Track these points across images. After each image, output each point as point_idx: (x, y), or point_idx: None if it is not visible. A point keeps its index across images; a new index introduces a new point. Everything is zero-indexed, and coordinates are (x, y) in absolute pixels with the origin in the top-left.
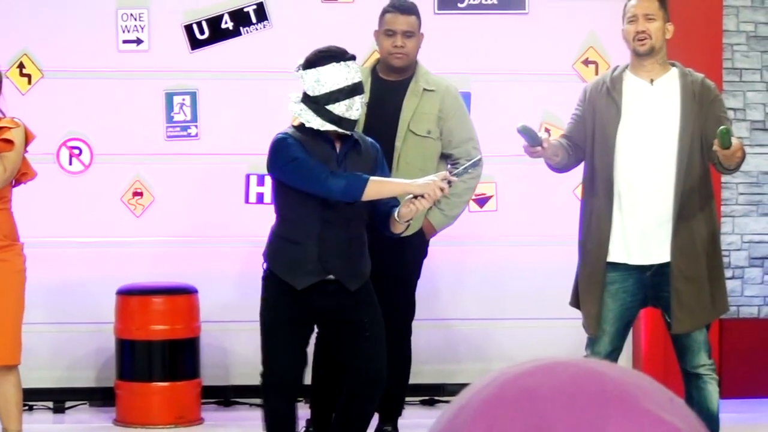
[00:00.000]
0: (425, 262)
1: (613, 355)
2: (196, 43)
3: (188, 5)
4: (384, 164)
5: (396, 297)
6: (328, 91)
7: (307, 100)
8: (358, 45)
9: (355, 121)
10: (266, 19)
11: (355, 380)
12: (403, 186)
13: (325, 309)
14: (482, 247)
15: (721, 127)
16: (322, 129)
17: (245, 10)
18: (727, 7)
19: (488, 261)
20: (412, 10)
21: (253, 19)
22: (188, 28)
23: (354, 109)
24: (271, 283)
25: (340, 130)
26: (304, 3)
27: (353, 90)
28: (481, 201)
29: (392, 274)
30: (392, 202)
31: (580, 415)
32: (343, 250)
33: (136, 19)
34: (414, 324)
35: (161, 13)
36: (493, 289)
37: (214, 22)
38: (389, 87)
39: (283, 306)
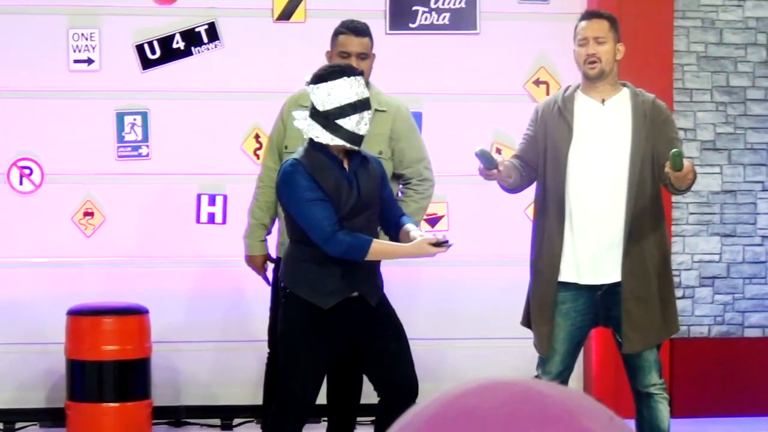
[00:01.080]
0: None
1: (564, 374)
2: (147, 63)
3: (139, 25)
4: (387, 180)
5: None
6: (338, 105)
7: (317, 115)
8: (309, 64)
9: (362, 137)
10: (218, 39)
11: (391, 393)
12: (401, 251)
13: (350, 327)
14: (433, 267)
15: (674, 150)
16: (332, 144)
17: (196, 29)
18: (678, 28)
19: (440, 281)
20: (366, 32)
21: (205, 39)
22: (139, 48)
23: (363, 124)
24: (293, 305)
25: (348, 145)
26: (255, 23)
27: (363, 105)
28: (433, 221)
29: None
30: (401, 213)
31: None
32: (363, 266)
33: (87, 39)
34: None
35: (112, 33)
36: (445, 309)
37: (166, 41)
38: None
39: (308, 328)
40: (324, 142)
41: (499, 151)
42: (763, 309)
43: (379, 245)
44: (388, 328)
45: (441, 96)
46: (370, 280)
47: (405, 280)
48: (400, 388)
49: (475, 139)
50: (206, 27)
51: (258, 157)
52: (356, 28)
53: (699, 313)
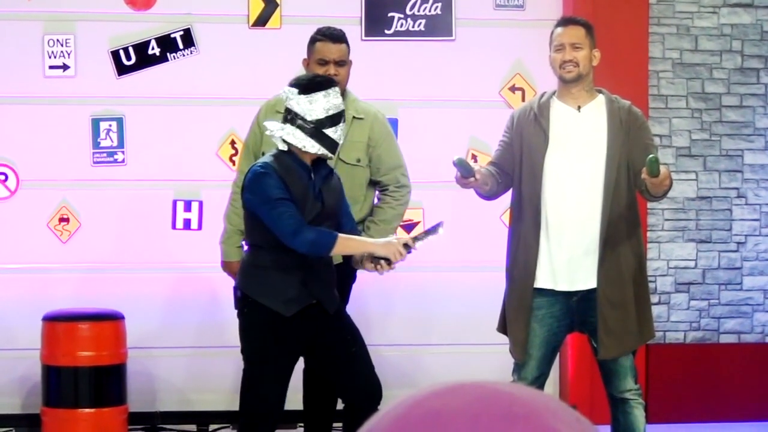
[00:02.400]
0: (353, 287)
1: (540, 380)
2: (122, 69)
3: (115, 31)
4: (345, 195)
5: None
6: (326, 115)
7: (301, 124)
8: (285, 71)
9: (339, 145)
10: (193, 45)
11: (355, 397)
12: (367, 246)
13: (310, 333)
14: (409, 273)
15: (650, 156)
16: (318, 152)
17: (172, 35)
18: (653, 35)
19: (415, 286)
20: (343, 38)
21: (180, 45)
22: (115, 54)
23: (340, 134)
24: (253, 313)
25: (329, 154)
26: (231, 29)
27: (342, 116)
28: (409, 227)
29: None
30: (353, 227)
31: None
32: (322, 273)
33: (62, 45)
34: None
35: (88, 39)
36: (421, 314)
37: (141, 47)
38: None
39: (268, 336)
40: (312, 151)
41: (474, 157)
42: (739, 315)
43: (345, 239)
44: (347, 333)
45: (416, 102)
46: (329, 288)
47: (380, 286)
48: (365, 391)
49: (450, 145)
50: (182, 33)
51: (234, 163)
52: (333, 35)
53: (674, 319)
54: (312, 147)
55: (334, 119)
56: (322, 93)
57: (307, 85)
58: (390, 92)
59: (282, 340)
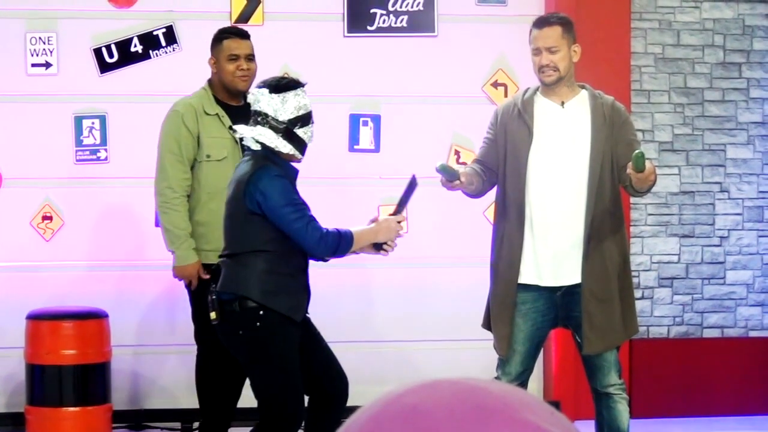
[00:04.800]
0: (335, 284)
1: (524, 375)
2: (105, 67)
3: (97, 29)
4: None
5: None
6: (297, 115)
7: (273, 124)
8: (268, 67)
9: (306, 148)
10: (176, 43)
11: (336, 387)
12: (370, 236)
13: (302, 333)
14: (393, 269)
15: (636, 151)
16: (290, 153)
17: (154, 33)
18: (635, 30)
19: (399, 283)
20: (248, 35)
21: (163, 43)
22: (97, 52)
23: (310, 135)
24: (271, 322)
25: (299, 155)
26: (213, 25)
27: (311, 116)
28: None
29: None
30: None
31: (462, 426)
32: (307, 276)
33: (45, 43)
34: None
35: (70, 37)
36: (406, 311)
37: (124, 45)
38: (237, 112)
39: (289, 342)
40: (285, 151)
41: (458, 153)
42: (722, 309)
43: (357, 235)
44: (314, 328)
45: (399, 98)
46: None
47: (364, 282)
48: (344, 377)
49: (433, 141)
50: (164, 30)
51: None
52: (241, 32)
53: (658, 314)
54: (284, 147)
55: (305, 119)
56: (293, 92)
57: (278, 85)
58: (372, 88)
59: (296, 345)
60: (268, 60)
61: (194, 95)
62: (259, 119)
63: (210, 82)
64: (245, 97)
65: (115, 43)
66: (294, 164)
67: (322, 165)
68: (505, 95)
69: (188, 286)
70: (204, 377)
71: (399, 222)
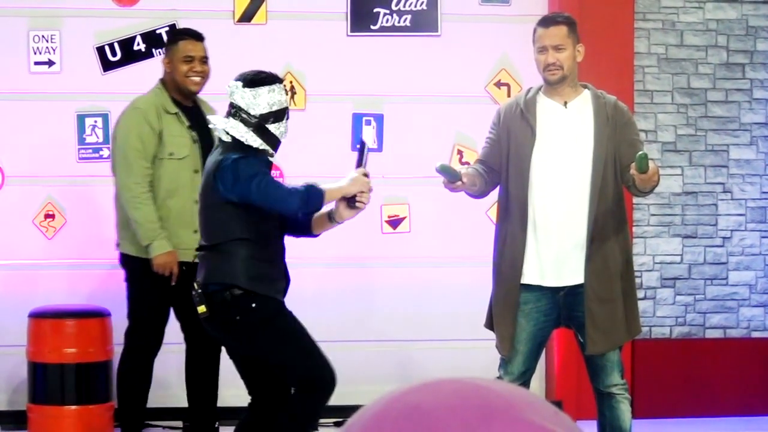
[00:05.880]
0: (336, 283)
1: (526, 375)
2: (108, 65)
3: (100, 27)
4: None
5: None
6: (271, 110)
7: (245, 118)
8: (271, 65)
9: (280, 144)
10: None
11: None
12: (340, 189)
13: None
14: (396, 269)
15: (640, 153)
16: (261, 148)
17: (158, 31)
18: (639, 30)
19: (402, 282)
20: (203, 37)
21: (166, 41)
22: (100, 50)
23: (283, 131)
24: (264, 302)
25: (270, 150)
26: (217, 24)
27: (286, 113)
28: (395, 222)
29: None
30: None
31: (464, 425)
32: (285, 262)
33: (48, 41)
34: (326, 346)
35: (73, 35)
36: (408, 310)
37: (127, 43)
38: (190, 113)
39: (289, 314)
40: (255, 145)
41: (460, 152)
42: (724, 310)
43: (328, 189)
44: None
45: (402, 98)
46: None
47: (366, 281)
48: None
49: (436, 140)
50: (167, 29)
51: None
52: (196, 33)
53: (660, 314)
54: (254, 141)
55: (278, 115)
56: (267, 88)
57: (252, 80)
58: (376, 88)
59: (295, 317)
60: (270, 59)
61: (151, 93)
62: (232, 112)
63: (163, 82)
64: (194, 100)
65: (118, 42)
66: (274, 160)
67: (325, 164)
68: (508, 95)
69: (162, 280)
70: (193, 373)
71: (364, 174)
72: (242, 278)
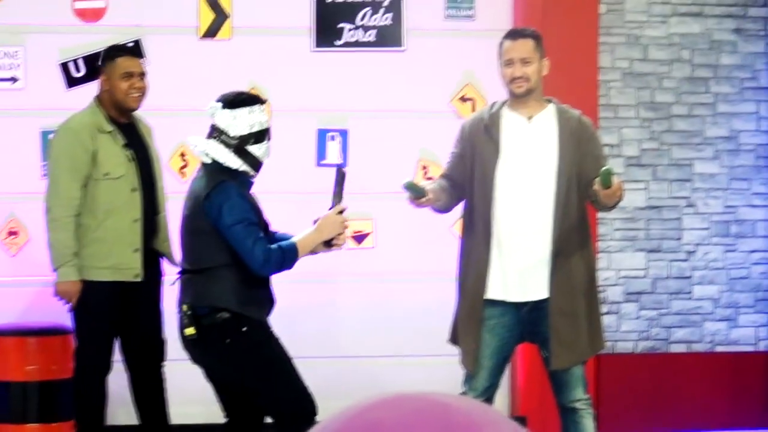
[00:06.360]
0: (300, 299)
1: (490, 390)
2: (72, 81)
3: (64, 43)
4: None
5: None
6: (250, 131)
7: (225, 140)
8: (236, 82)
9: (262, 165)
10: (143, 57)
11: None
12: (315, 238)
13: None
14: (360, 285)
15: (604, 168)
16: (240, 170)
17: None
18: (603, 44)
19: (367, 298)
20: (139, 53)
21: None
22: (64, 66)
23: (267, 153)
24: (254, 326)
25: (252, 172)
26: (181, 40)
27: (268, 134)
28: (359, 238)
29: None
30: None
31: None
32: (271, 286)
33: (11, 57)
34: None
35: (37, 51)
36: (372, 326)
37: (91, 59)
38: (126, 130)
39: (277, 341)
40: (234, 167)
41: (425, 168)
42: (689, 324)
43: (300, 244)
44: None
45: (367, 113)
46: None
47: (330, 297)
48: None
49: (401, 156)
50: (132, 44)
51: (184, 175)
52: (134, 50)
53: (625, 329)
54: (234, 163)
55: (259, 136)
56: (247, 109)
57: (233, 100)
58: (340, 103)
59: (283, 345)
60: (235, 75)
61: (86, 112)
62: (213, 133)
63: (98, 99)
64: (130, 117)
65: (83, 57)
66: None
67: (289, 180)
68: (473, 110)
69: (107, 299)
70: (141, 394)
71: (340, 212)
72: (233, 302)
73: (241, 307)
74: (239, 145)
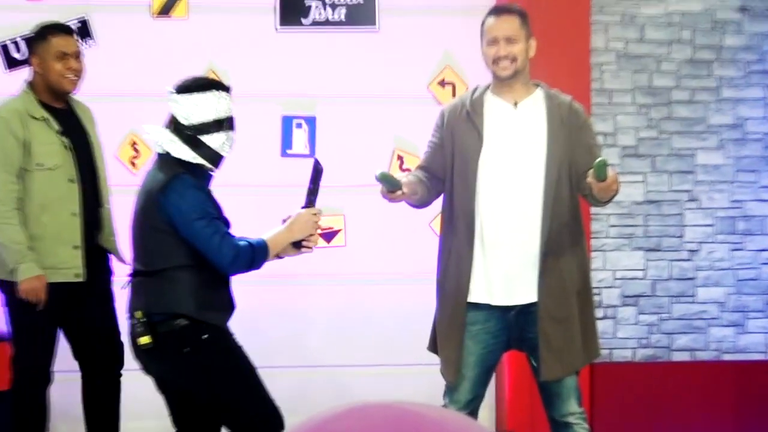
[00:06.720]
0: (263, 303)
1: (474, 403)
2: (12, 63)
3: (4, 22)
4: None
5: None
6: (206, 120)
7: (179, 129)
8: (192, 64)
9: (224, 158)
10: (90, 37)
11: None
12: (286, 236)
13: None
14: (330, 287)
15: (598, 159)
16: (194, 162)
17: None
18: (595, 24)
19: (337, 302)
20: (74, 31)
21: (76, 37)
22: (4, 47)
23: (227, 144)
24: (214, 333)
25: (208, 165)
26: (132, 19)
27: (229, 123)
28: (329, 236)
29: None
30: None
31: None
32: (231, 289)
33: None
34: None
35: None
36: (344, 333)
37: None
38: (62, 116)
39: (239, 348)
40: (186, 159)
41: (401, 158)
42: (692, 330)
43: (271, 242)
44: None
45: (336, 98)
46: None
47: (295, 300)
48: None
49: (374, 145)
50: (78, 24)
51: (135, 166)
52: (67, 28)
53: (622, 335)
54: (186, 155)
55: (216, 126)
56: (201, 95)
57: (187, 86)
58: (307, 87)
59: (245, 352)
60: (192, 56)
61: (17, 99)
62: (169, 123)
63: (30, 83)
64: (67, 101)
65: (23, 38)
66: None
67: (251, 172)
68: (453, 95)
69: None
70: (92, 403)
71: (314, 214)
72: (190, 307)
73: (201, 313)
74: (193, 136)
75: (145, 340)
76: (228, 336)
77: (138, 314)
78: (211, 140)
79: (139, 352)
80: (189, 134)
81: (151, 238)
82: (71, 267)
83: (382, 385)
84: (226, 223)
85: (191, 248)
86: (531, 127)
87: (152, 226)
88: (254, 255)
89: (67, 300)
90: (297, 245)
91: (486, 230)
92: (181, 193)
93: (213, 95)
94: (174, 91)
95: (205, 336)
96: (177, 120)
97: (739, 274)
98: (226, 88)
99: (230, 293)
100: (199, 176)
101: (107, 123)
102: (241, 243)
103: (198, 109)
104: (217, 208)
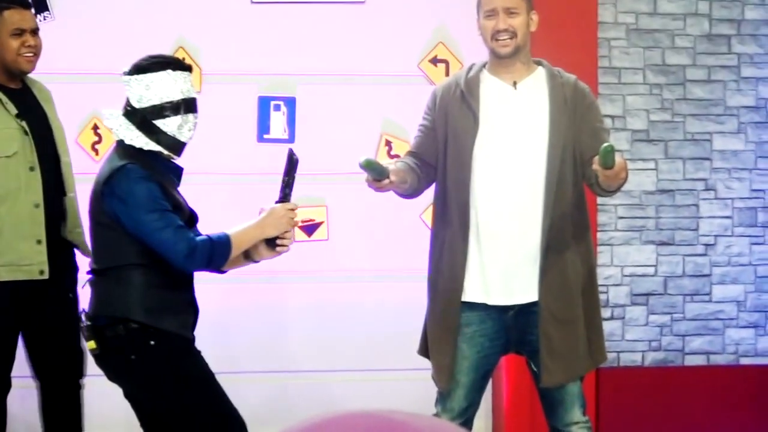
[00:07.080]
0: (239, 303)
1: (469, 411)
2: None
3: None
4: None
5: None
6: (158, 102)
7: (132, 113)
8: (160, 39)
9: (185, 144)
10: (47, 10)
11: None
12: (256, 232)
13: None
14: (310, 285)
15: (605, 144)
16: (146, 148)
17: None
18: None
19: (318, 301)
20: (30, 4)
21: (32, 11)
22: None
23: (186, 129)
24: (164, 340)
25: (165, 152)
26: None
27: (188, 106)
28: (309, 228)
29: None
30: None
31: None
32: (193, 290)
33: None
34: (229, 378)
35: None
36: (324, 335)
37: None
38: (18, 96)
39: (194, 355)
40: (138, 146)
41: (389, 143)
42: (707, 332)
43: (236, 237)
44: None
45: (318, 78)
46: None
47: (275, 299)
48: None
49: (359, 129)
50: None
51: (97, 152)
52: (24, 1)
53: (630, 337)
54: (138, 141)
55: (172, 108)
56: (155, 74)
57: (138, 66)
58: (286, 66)
59: (203, 359)
60: (159, 32)
61: None
62: (124, 106)
63: None
64: (23, 81)
65: None
66: (177, 160)
67: (225, 158)
68: (446, 74)
69: (4, 302)
70: (51, 413)
71: (290, 209)
72: (138, 310)
73: (150, 317)
74: (143, 120)
75: (91, 345)
76: (182, 341)
77: (84, 317)
78: (166, 125)
79: (95, 357)
80: (142, 119)
81: (99, 235)
82: (34, 263)
83: (367, 392)
84: (193, 217)
85: (144, 246)
86: (531, 109)
87: (98, 222)
88: (213, 250)
89: (29, 300)
90: (272, 245)
91: (482, 222)
92: (126, 186)
93: (168, 75)
94: (126, 71)
95: (152, 342)
96: (128, 102)
97: (759, 271)
98: (184, 67)
99: (192, 295)
100: (158, 165)
101: (66, 105)
102: (200, 237)
103: (149, 91)
104: (173, 200)
